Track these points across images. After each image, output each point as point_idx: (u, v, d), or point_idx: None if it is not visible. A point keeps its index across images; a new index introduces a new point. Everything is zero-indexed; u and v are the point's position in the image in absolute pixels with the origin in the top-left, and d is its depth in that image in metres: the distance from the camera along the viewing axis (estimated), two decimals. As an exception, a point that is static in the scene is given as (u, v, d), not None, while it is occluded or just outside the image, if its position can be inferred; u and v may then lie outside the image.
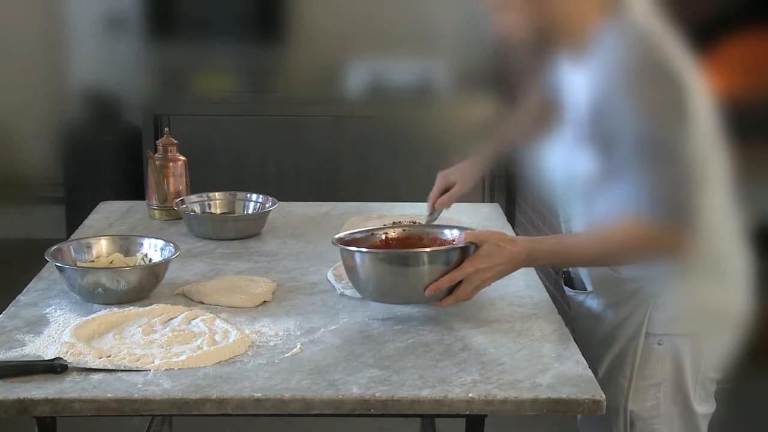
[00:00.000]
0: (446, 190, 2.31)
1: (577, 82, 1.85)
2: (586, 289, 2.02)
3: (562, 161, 1.95)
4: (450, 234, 1.99)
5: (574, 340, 1.80)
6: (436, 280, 1.79)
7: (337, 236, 1.95)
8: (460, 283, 1.80)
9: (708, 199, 1.79)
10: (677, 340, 1.87)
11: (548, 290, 2.09)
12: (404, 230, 2.03)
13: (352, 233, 1.98)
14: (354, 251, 1.84)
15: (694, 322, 1.88)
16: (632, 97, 1.73)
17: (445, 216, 2.62)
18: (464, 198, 2.37)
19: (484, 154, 2.37)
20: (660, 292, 1.87)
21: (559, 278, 2.20)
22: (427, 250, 1.87)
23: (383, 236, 2.00)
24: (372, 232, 2.00)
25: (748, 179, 1.90)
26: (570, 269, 2.09)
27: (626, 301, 1.91)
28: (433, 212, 2.35)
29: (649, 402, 1.90)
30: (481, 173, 2.37)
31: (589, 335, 2.00)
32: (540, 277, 2.13)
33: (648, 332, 1.88)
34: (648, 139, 1.73)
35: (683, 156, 1.73)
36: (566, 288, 2.11)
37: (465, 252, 1.81)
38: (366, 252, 1.85)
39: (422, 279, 1.79)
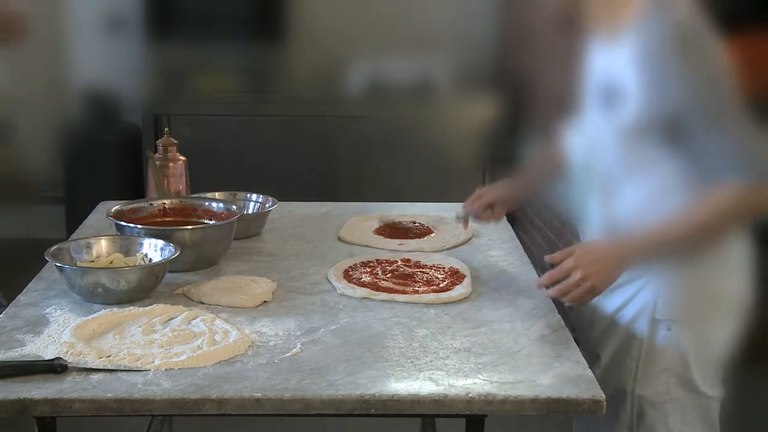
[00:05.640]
0: (490, 205, 2.30)
1: (616, 59, 1.83)
2: None
3: (583, 153, 1.96)
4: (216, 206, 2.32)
5: (572, 333, 1.81)
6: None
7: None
8: None
9: None
10: (684, 326, 1.89)
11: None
12: (181, 201, 2.36)
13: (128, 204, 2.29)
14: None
15: (698, 307, 1.89)
16: (690, 62, 1.73)
17: (447, 215, 2.62)
18: (464, 198, 2.36)
19: (519, 179, 2.34)
20: (663, 277, 1.89)
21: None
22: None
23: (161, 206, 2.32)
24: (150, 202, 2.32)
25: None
26: None
27: (627, 284, 1.92)
28: (466, 215, 2.34)
29: (660, 387, 1.91)
30: (525, 193, 2.40)
31: (588, 324, 2.02)
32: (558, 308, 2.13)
33: (655, 318, 1.89)
34: (717, 103, 1.74)
35: (745, 113, 1.75)
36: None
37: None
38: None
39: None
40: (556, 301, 2.01)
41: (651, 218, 1.83)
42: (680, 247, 1.85)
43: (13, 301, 1.93)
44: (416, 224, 2.53)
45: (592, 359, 1.94)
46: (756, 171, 1.74)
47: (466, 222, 2.35)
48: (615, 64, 1.82)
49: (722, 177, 1.74)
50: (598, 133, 1.90)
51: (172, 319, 1.82)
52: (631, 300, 1.93)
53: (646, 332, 1.90)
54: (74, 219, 3.57)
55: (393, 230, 2.47)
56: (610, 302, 1.96)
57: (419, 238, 2.43)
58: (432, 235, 2.46)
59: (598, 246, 1.88)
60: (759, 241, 1.91)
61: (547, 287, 1.85)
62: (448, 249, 2.35)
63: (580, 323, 2.06)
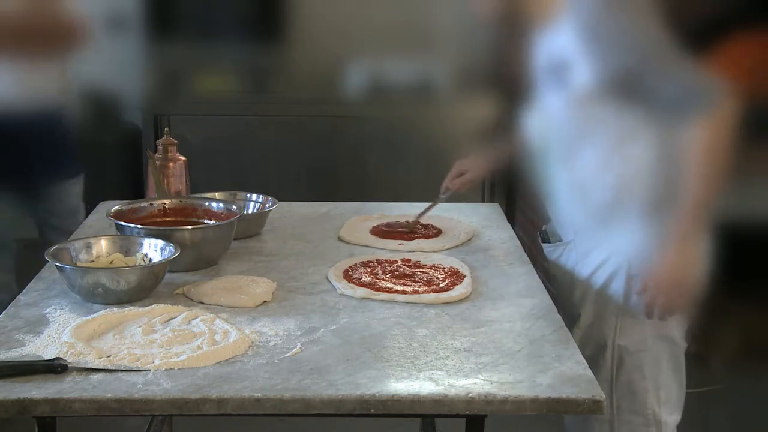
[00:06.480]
0: (461, 175, 2.51)
1: (559, 38, 1.94)
2: (561, 240, 2.19)
3: (540, 131, 2.10)
4: (216, 206, 2.33)
5: (555, 296, 1.95)
6: None
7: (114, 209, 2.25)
8: None
9: None
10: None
11: (533, 258, 2.20)
12: (181, 201, 2.36)
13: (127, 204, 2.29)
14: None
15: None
16: (626, 18, 1.87)
17: (446, 215, 2.63)
18: (464, 198, 2.39)
19: (497, 148, 2.50)
20: (634, 235, 2.00)
21: (538, 238, 2.41)
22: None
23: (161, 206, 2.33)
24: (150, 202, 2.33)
25: (747, 178, 1.92)
26: (547, 226, 2.26)
27: (603, 244, 2.04)
28: (445, 192, 2.54)
29: (637, 336, 2.05)
30: (493, 165, 2.56)
31: (569, 285, 2.15)
32: (541, 277, 2.14)
33: (631, 274, 2.02)
34: (660, 48, 1.86)
35: (681, 50, 1.87)
36: (544, 245, 2.26)
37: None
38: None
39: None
40: (554, 298, 2.03)
41: (613, 169, 1.97)
42: (706, 205, 1.93)
43: (13, 301, 1.93)
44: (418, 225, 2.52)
45: (573, 319, 2.10)
46: (708, 100, 1.85)
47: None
48: (559, 43, 1.94)
49: (681, 114, 1.86)
50: (551, 109, 2.03)
51: (172, 319, 1.82)
52: (607, 260, 2.06)
53: (623, 288, 2.04)
54: (74, 219, 3.56)
55: (393, 231, 2.47)
56: (589, 262, 2.09)
57: (420, 238, 2.43)
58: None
59: (658, 260, 1.95)
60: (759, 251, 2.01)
61: (651, 315, 1.99)
62: (448, 249, 2.35)
63: (561, 288, 2.19)
